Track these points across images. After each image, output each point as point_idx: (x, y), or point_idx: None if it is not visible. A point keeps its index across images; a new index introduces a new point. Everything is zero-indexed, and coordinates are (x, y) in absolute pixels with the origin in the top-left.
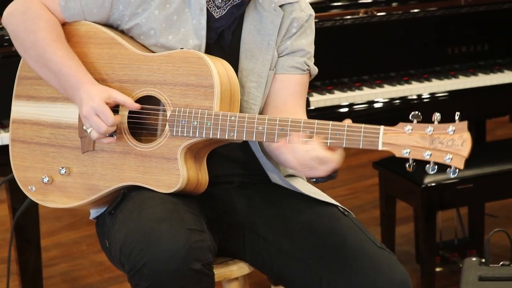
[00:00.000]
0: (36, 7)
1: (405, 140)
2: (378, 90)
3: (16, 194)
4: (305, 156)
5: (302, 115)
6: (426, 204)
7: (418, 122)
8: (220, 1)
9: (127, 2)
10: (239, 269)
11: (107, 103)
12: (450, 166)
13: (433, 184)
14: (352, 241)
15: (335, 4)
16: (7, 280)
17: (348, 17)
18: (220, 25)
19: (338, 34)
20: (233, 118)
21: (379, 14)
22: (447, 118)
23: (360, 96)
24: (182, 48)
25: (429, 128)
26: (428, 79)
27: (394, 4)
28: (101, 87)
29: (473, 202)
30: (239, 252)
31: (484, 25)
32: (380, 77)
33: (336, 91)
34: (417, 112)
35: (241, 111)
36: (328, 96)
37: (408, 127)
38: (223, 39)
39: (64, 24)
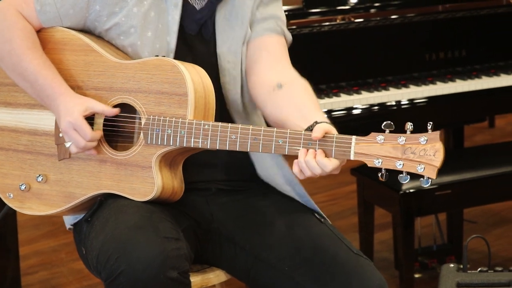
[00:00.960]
0: (11, 15)
1: (377, 150)
2: (355, 96)
3: None
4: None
5: (291, 73)
6: (405, 210)
7: (390, 131)
8: None
9: (104, 1)
10: (216, 276)
11: (84, 115)
12: (423, 176)
13: (411, 191)
14: (329, 248)
15: (313, 10)
16: None
17: (326, 23)
18: (201, 16)
19: (316, 41)
20: (206, 126)
21: (356, 20)
22: (424, 125)
23: (338, 102)
24: (157, 56)
25: (401, 138)
26: (406, 85)
27: (372, 11)
28: (77, 98)
29: (451, 208)
30: (216, 260)
31: (461, 31)
32: (358, 84)
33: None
34: (389, 122)
35: (224, 94)
36: None
37: (380, 137)
38: (206, 29)
39: (39, 31)
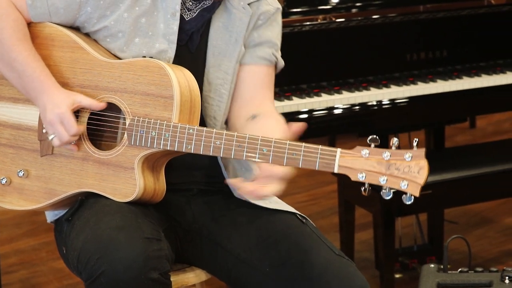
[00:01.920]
0: (5, 5)
1: (362, 164)
2: (336, 96)
3: None
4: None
5: (270, 106)
6: (385, 210)
7: (376, 146)
8: (191, 3)
9: (96, 4)
10: (196, 276)
11: (72, 109)
12: (405, 193)
13: (392, 191)
14: (310, 249)
15: (294, 10)
16: None
17: (307, 23)
18: (190, 28)
19: (297, 41)
20: (191, 131)
21: (338, 20)
22: (405, 125)
23: (319, 102)
24: (145, 57)
25: (386, 153)
26: (387, 85)
27: (353, 10)
28: (64, 92)
29: (432, 209)
30: (196, 259)
31: (442, 32)
32: (339, 84)
33: (294, 98)
34: (375, 136)
35: (208, 108)
36: (286, 102)
37: (365, 151)
38: (192, 41)
39: (28, 25)
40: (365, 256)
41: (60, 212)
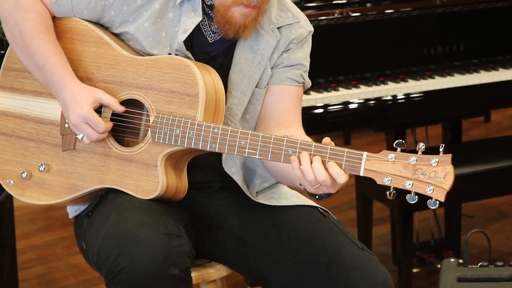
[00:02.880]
0: None
1: (388, 168)
2: (354, 90)
3: None
4: (325, 178)
5: (297, 129)
6: (403, 205)
7: (402, 150)
8: (216, 27)
9: (119, 9)
10: (217, 271)
11: (93, 107)
12: (431, 198)
13: None
14: (333, 243)
15: (310, 4)
16: None
17: (323, 17)
18: (213, 50)
19: (313, 35)
20: (216, 130)
21: (354, 14)
22: (423, 120)
23: (336, 97)
24: (170, 54)
25: (413, 158)
26: (405, 80)
27: (368, 5)
28: (85, 88)
29: (450, 203)
30: (217, 254)
31: (459, 26)
32: (356, 78)
33: (312, 92)
34: (401, 141)
35: None
36: (304, 97)
37: (391, 155)
38: (215, 61)
39: (53, 18)
40: (382, 250)
41: (80, 208)
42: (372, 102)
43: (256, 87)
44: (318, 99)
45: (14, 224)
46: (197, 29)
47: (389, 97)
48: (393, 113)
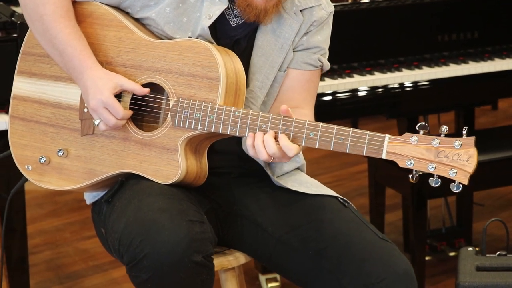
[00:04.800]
0: None
1: (410, 151)
2: (368, 77)
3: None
4: (276, 151)
5: (306, 112)
6: (417, 192)
7: (424, 133)
8: (239, 11)
9: None
10: (236, 258)
11: (114, 93)
12: (454, 181)
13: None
14: (354, 233)
15: None
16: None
17: (338, 4)
18: (235, 34)
19: None
20: (236, 113)
21: (367, 1)
22: (436, 107)
23: (351, 83)
24: (190, 37)
25: (435, 140)
26: (419, 67)
27: None
28: (106, 74)
29: (463, 191)
30: (236, 242)
31: (473, 13)
32: (370, 64)
33: (326, 78)
34: (424, 123)
35: None
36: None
37: (414, 138)
38: (238, 45)
39: (73, 3)
40: (393, 238)
41: (98, 194)
42: (385, 89)
43: (278, 70)
44: (332, 85)
45: (25, 209)
46: (220, 14)
47: (404, 84)
48: (407, 100)
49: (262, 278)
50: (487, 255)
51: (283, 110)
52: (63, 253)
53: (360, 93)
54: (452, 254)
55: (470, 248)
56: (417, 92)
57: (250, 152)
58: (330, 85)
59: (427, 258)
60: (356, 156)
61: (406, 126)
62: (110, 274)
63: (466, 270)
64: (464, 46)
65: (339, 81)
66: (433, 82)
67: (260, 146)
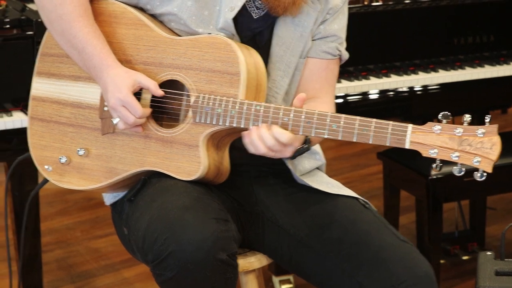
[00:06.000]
0: None
1: (433, 140)
2: (384, 79)
3: (15, 178)
4: (272, 141)
5: (326, 100)
6: (432, 196)
7: (447, 122)
8: (260, 2)
9: None
10: (258, 260)
11: (132, 90)
12: (477, 169)
13: (439, 176)
14: (374, 235)
15: None
16: (9, 264)
17: (353, 5)
18: (257, 26)
19: None
20: (258, 107)
21: (384, 3)
22: (451, 110)
23: (367, 85)
24: (210, 34)
25: (459, 129)
26: (435, 70)
27: None
28: (125, 72)
29: (478, 195)
30: (257, 243)
31: (489, 16)
32: (386, 67)
33: (343, 80)
34: (446, 113)
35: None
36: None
37: (437, 127)
38: (261, 37)
39: (91, 2)
40: None
41: (119, 194)
42: (402, 91)
43: (299, 57)
44: (349, 87)
45: (39, 207)
46: (242, 6)
47: (423, 87)
48: (422, 102)
49: (276, 279)
50: (505, 259)
51: (300, 98)
52: (74, 252)
53: (375, 96)
54: (465, 257)
55: (489, 253)
56: (433, 95)
57: (250, 149)
58: (347, 87)
59: (441, 261)
60: (367, 158)
61: None
62: (122, 273)
63: (486, 275)
64: (479, 50)
65: (356, 83)
66: (449, 85)
67: (256, 140)
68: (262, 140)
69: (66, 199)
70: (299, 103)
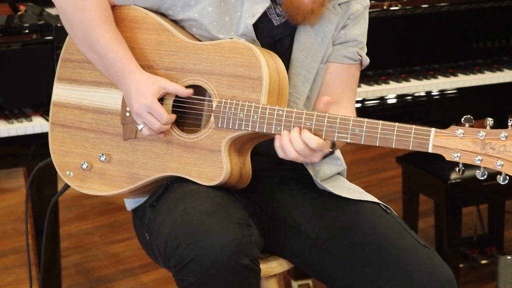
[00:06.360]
0: None
1: (456, 144)
2: (404, 84)
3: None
4: (302, 145)
5: (346, 106)
6: (452, 200)
7: (470, 126)
8: (280, 9)
9: None
10: (279, 265)
11: (158, 96)
12: (500, 173)
13: (458, 181)
14: (396, 240)
15: None
16: (29, 269)
17: (372, 10)
18: (278, 33)
19: None
20: (280, 112)
21: (403, 8)
22: (473, 114)
23: (387, 90)
24: (232, 38)
25: (481, 133)
26: (454, 74)
27: None
28: (148, 77)
29: (497, 199)
30: (278, 248)
31: (508, 21)
32: (405, 71)
33: (362, 85)
34: (469, 116)
35: None
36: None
37: (460, 130)
38: (281, 44)
39: (112, 8)
40: None
41: (140, 200)
42: (422, 95)
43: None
44: (369, 92)
45: (58, 212)
46: (263, 13)
47: (437, 92)
48: (441, 107)
49: (295, 284)
50: None
51: (324, 101)
52: (92, 257)
53: (394, 100)
54: (484, 262)
55: (509, 257)
56: (452, 99)
57: (280, 153)
58: (366, 92)
59: (459, 266)
60: (384, 162)
61: None
62: (141, 278)
63: (506, 279)
64: (498, 54)
65: (375, 87)
66: (468, 89)
67: (287, 144)
68: (292, 144)
69: (83, 204)
70: (324, 106)
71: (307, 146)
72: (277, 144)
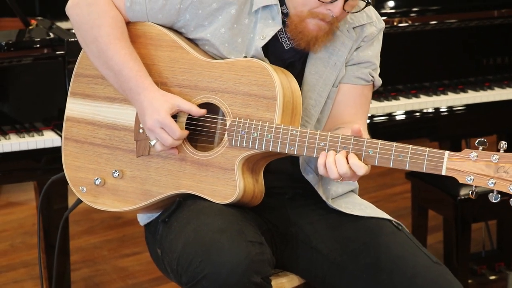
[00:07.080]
0: (104, 2)
1: (470, 167)
2: (414, 100)
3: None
4: (346, 169)
5: (357, 123)
6: (461, 216)
7: (483, 149)
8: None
9: (194, 13)
10: (290, 281)
11: (171, 113)
12: (492, 191)
13: (467, 197)
14: (408, 258)
15: None
16: (41, 283)
17: None
18: (289, 57)
19: None
20: (294, 132)
21: (412, 24)
22: (482, 131)
23: (397, 106)
24: (246, 57)
25: (495, 156)
26: (464, 90)
27: (428, 14)
28: (162, 95)
29: (506, 215)
30: (290, 264)
31: None
32: (415, 87)
33: (372, 101)
34: (483, 139)
35: None
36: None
37: (473, 154)
38: (293, 68)
39: (127, 24)
40: None
41: (153, 215)
42: (431, 112)
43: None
44: (379, 108)
45: (68, 226)
46: (273, 36)
47: (445, 108)
48: (450, 123)
49: None
50: None
51: (355, 130)
52: (101, 271)
53: (402, 116)
54: (492, 277)
55: None
56: (461, 115)
57: (321, 171)
58: (376, 108)
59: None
60: (392, 178)
61: (449, 148)
62: None
63: None
64: (508, 70)
65: (385, 103)
66: (478, 105)
67: (332, 164)
68: (336, 166)
69: (92, 218)
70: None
71: (353, 172)
72: (320, 161)
